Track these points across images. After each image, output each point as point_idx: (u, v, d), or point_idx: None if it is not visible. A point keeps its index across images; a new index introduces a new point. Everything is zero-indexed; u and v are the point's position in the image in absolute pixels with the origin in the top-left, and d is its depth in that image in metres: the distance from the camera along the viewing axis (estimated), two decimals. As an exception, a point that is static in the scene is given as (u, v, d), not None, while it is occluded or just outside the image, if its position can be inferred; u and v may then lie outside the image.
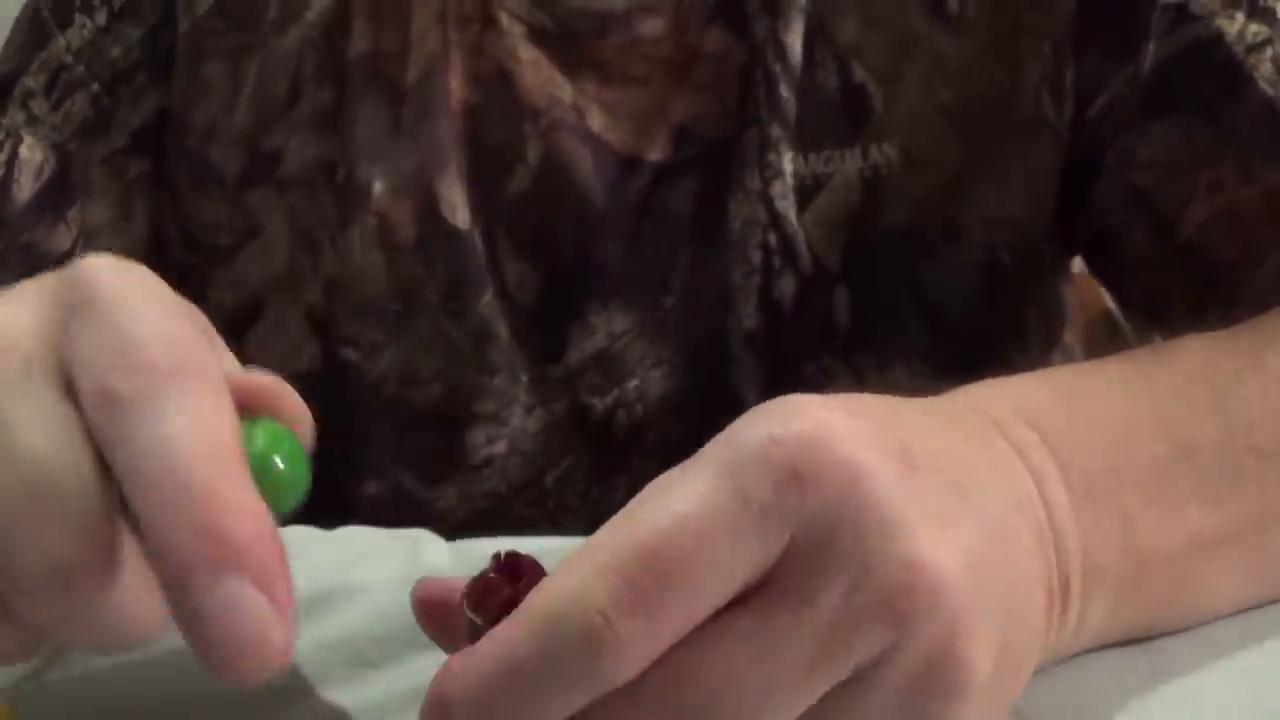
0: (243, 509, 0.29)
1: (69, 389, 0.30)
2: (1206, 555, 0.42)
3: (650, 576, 0.30)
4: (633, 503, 0.32)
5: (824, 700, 0.32)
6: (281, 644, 0.28)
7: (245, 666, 0.28)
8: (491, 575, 0.33)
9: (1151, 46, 0.58)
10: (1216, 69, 0.58)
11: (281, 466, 0.31)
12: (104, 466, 0.30)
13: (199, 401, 0.30)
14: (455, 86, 0.60)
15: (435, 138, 0.60)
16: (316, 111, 0.61)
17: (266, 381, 0.34)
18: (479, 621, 0.33)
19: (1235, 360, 0.47)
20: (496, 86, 0.60)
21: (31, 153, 0.61)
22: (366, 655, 0.40)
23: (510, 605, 0.32)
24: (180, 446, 0.29)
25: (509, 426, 0.62)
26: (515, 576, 0.33)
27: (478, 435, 0.62)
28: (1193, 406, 0.44)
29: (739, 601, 0.32)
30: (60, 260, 0.62)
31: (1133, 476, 0.41)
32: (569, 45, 0.60)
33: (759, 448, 0.31)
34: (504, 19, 0.60)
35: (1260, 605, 0.44)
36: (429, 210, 0.60)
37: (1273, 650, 0.42)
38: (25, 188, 0.61)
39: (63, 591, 0.29)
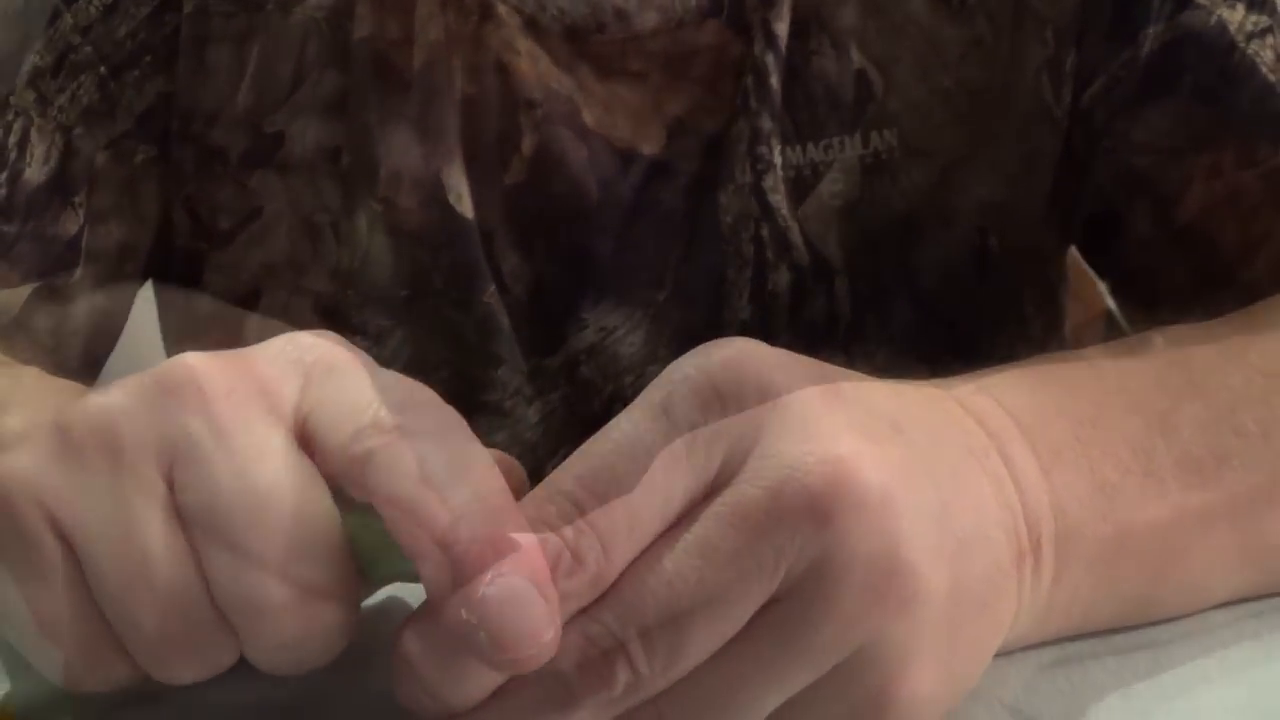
0: (525, 527, 0.32)
1: (301, 435, 0.34)
2: (1194, 531, 0.42)
3: (594, 499, 0.32)
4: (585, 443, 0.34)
5: (774, 614, 0.33)
6: (551, 640, 0.31)
7: (518, 651, 0.31)
8: None
9: (1151, 31, 0.58)
10: (1216, 55, 0.58)
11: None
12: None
13: (479, 445, 0.33)
14: (456, 76, 0.60)
15: (441, 126, 0.60)
16: (320, 96, 0.61)
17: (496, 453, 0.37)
18: None
19: (1216, 351, 0.47)
20: (493, 78, 0.60)
21: (41, 135, 0.61)
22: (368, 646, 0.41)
23: None
24: (480, 469, 0.33)
25: (511, 417, 0.62)
26: None
27: (480, 425, 0.62)
28: (1170, 389, 0.44)
29: None
30: (70, 245, 0.62)
31: (1105, 447, 0.41)
32: (566, 40, 0.59)
33: (685, 376, 0.34)
34: (502, 10, 0.59)
35: (1259, 595, 0.44)
36: (435, 198, 0.60)
37: (1271, 650, 0.42)
38: (36, 171, 0.61)
39: (305, 613, 0.32)
